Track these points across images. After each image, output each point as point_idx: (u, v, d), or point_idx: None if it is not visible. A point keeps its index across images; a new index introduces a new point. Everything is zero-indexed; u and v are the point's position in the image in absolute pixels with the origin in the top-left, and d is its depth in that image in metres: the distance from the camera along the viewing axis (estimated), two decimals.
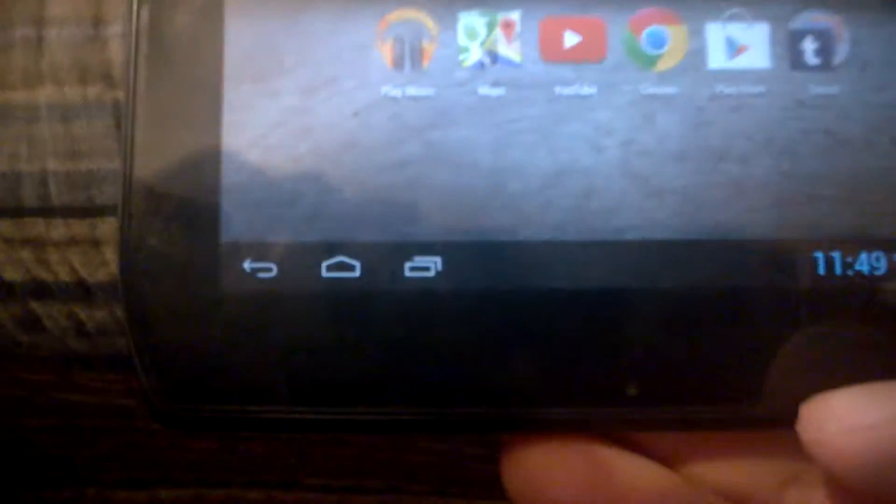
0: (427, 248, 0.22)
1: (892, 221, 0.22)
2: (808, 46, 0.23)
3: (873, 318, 0.22)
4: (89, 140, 0.24)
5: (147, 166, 0.22)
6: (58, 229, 0.23)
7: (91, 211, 0.24)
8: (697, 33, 0.23)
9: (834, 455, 0.19)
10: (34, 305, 0.24)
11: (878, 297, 0.22)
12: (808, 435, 0.19)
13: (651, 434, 0.23)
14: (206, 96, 0.22)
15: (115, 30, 0.24)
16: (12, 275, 0.23)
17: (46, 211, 0.23)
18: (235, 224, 0.22)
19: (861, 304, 0.22)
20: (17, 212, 0.23)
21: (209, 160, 0.22)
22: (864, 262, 0.22)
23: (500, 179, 0.22)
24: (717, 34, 0.23)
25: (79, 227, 0.23)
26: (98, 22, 0.24)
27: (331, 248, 0.22)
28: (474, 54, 0.23)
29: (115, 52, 0.24)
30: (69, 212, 0.23)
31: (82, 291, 0.23)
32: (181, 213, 0.22)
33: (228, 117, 0.22)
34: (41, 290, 0.23)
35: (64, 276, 0.23)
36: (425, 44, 0.23)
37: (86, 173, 0.24)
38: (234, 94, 0.22)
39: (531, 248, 0.22)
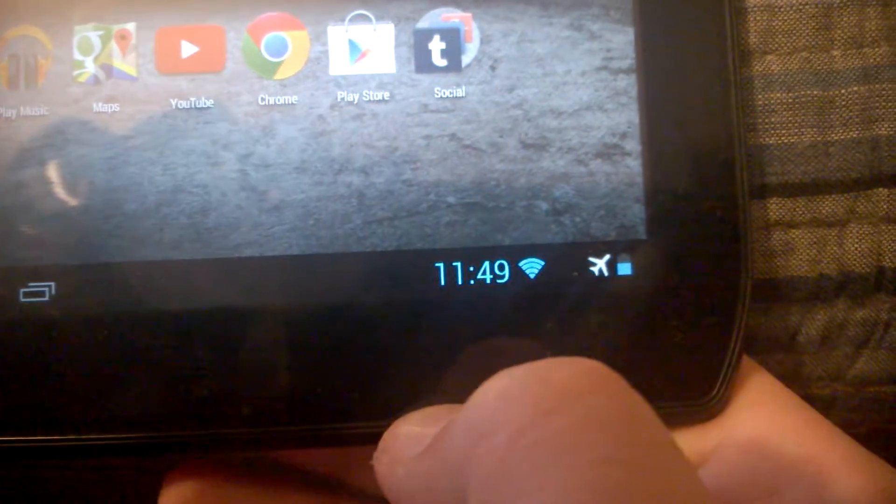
0: (40, 273, 0.22)
1: (516, 228, 0.22)
2: (436, 47, 0.22)
3: (493, 327, 0.22)
4: None
5: None
6: None
7: None
8: (319, 38, 0.22)
9: (385, 489, 0.18)
10: None
11: (500, 307, 0.22)
12: (374, 464, 0.19)
13: None
14: None
15: None
16: None
17: None
18: None
19: (482, 314, 0.22)
20: None
21: None
22: (487, 271, 0.22)
23: (115, 199, 0.22)
24: (339, 38, 0.22)
25: None
26: None
27: None
28: (89, 69, 0.22)
29: None
30: None
31: None
32: None
33: None
34: None
35: None
36: (40, 60, 0.22)
37: None
38: None
39: (147, 269, 0.22)
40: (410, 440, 0.18)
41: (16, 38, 0.22)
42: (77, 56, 0.22)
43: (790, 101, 0.23)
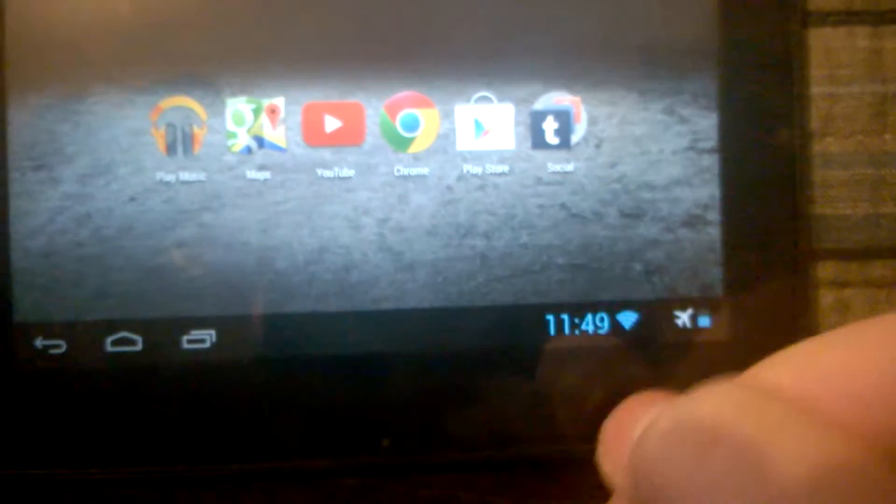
0: (202, 323, 0.25)
1: (615, 286, 0.26)
2: (549, 127, 0.25)
3: (595, 370, 0.26)
4: None
5: None
6: None
7: None
8: (447, 116, 0.25)
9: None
10: None
11: (600, 354, 0.26)
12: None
13: None
14: None
15: None
16: None
17: None
18: (26, 306, 0.24)
19: (586, 360, 0.26)
20: None
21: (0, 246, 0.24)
22: (590, 323, 0.26)
23: (267, 257, 0.25)
24: (465, 116, 0.25)
25: None
26: None
27: (114, 325, 0.25)
28: (242, 139, 0.25)
29: None
30: None
31: None
32: None
33: (15, 204, 0.24)
34: None
35: None
36: (196, 129, 0.25)
37: None
38: (20, 182, 0.24)
39: (297, 320, 0.25)
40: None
41: (171, 108, 0.25)
42: (231, 127, 0.25)
43: (846, 177, 0.27)
